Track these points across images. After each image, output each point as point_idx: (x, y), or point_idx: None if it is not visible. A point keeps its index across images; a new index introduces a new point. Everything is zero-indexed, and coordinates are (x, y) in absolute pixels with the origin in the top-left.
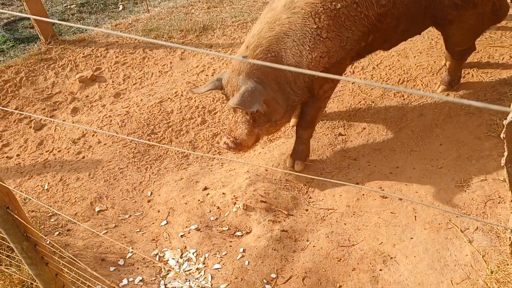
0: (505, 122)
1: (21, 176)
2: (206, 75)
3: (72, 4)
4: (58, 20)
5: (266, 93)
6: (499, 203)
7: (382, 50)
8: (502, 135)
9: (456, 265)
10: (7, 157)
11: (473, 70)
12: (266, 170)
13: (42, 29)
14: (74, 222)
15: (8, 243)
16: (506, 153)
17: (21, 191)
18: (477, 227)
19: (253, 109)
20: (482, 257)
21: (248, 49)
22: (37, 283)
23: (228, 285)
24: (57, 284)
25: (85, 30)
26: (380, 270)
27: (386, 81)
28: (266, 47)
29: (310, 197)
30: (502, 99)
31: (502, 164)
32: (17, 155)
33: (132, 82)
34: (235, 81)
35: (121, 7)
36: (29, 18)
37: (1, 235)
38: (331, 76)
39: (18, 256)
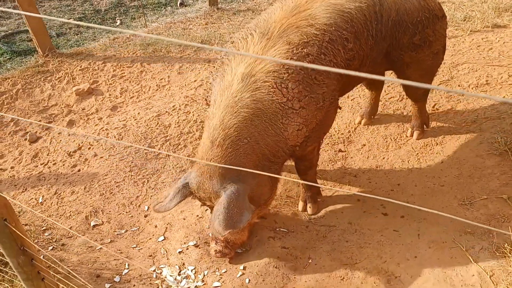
0: None
1: (15, 188)
2: (204, 89)
3: (70, 19)
4: (56, 34)
5: (248, 186)
6: (503, 222)
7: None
8: None
9: (463, 285)
10: (1, 169)
11: (472, 89)
12: None
13: (40, 42)
14: (69, 237)
15: (2, 257)
16: None
17: (14, 204)
18: (482, 246)
19: (244, 223)
20: (490, 277)
21: (214, 145)
22: None
23: None
24: None
25: (82, 44)
26: None
27: (386, 94)
28: (235, 136)
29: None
30: (502, 118)
31: None
32: (11, 168)
33: (129, 95)
34: (209, 186)
35: (118, 22)
36: (27, 31)
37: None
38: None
39: (11, 270)
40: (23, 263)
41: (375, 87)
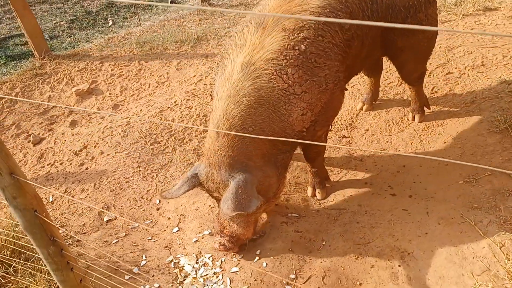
0: None
1: None
2: (204, 84)
3: (62, 21)
4: (49, 37)
5: (255, 178)
6: (508, 196)
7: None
8: None
9: (474, 257)
10: None
11: (469, 71)
12: None
13: (36, 45)
14: (83, 233)
15: (24, 252)
16: None
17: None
18: (490, 220)
19: (253, 208)
20: (500, 248)
21: (220, 135)
22: None
23: (248, 287)
24: None
25: (76, 45)
26: (399, 266)
27: (385, 80)
28: (240, 125)
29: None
30: (500, 97)
31: None
32: None
33: (130, 93)
34: (217, 176)
35: (110, 22)
36: (20, 35)
37: (18, 244)
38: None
39: (33, 264)
40: (53, 253)
41: (374, 73)
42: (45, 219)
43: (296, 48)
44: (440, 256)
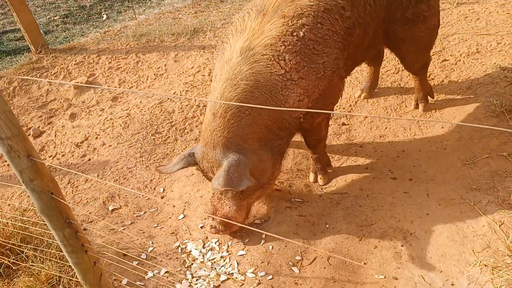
0: None
1: None
2: (203, 75)
3: (56, 16)
4: (44, 31)
5: (249, 161)
6: (506, 177)
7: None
8: None
9: (474, 235)
10: (8, 164)
11: (464, 58)
12: None
13: (32, 39)
14: (89, 222)
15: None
16: None
17: (28, 196)
18: (489, 200)
19: (243, 186)
20: (499, 226)
21: (216, 117)
22: (64, 278)
23: (255, 269)
24: (95, 273)
25: (71, 40)
26: (402, 246)
27: (382, 68)
28: (236, 107)
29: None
30: (495, 82)
31: None
32: None
33: (128, 86)
34: (212, 155)
35: (104, 16)
36: (14, 31)
37: (25, 234)
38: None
39: (44, 250)
40: (68, 235)
41: (374, 62)
42: (61, 201)
43: (295, 34)
44: (441, 236)
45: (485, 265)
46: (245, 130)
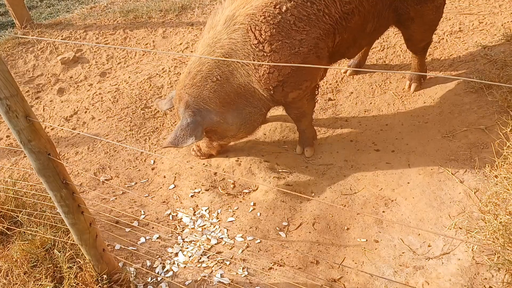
0: None
1: (15, 155)
2: (191, 51)
3: None
4: (28, 7)
5: (206, 122)
6: (482, 148)
7: (347, 57)
8: None
9: (451, 202)
10: None
11: (447, 36)
12: (265, 135)
13: (17, 14)
14: (81, 192)
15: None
16: None
17: (18, 169)
18: (466, 170)
19: (187, 144)
20: (474, 193)
21: (189, 76)
22: (58, 242)
23: (244, 234)
24: (91, 234)
25: (56, 16)
26: (383, 212)
27: None
28: (206, 73)
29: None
30: (476, 59)
31: None
32: (7, 136)
33: (116, 61)
34: (177, 106)
35: None
36: None
37: (28, 194)
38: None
39: (39, 214)
40: (65, 196)
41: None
42: (58, 161)
43: (278, 7)
44: (420, 202)
45: (460, 228)
46: (210, 94)
